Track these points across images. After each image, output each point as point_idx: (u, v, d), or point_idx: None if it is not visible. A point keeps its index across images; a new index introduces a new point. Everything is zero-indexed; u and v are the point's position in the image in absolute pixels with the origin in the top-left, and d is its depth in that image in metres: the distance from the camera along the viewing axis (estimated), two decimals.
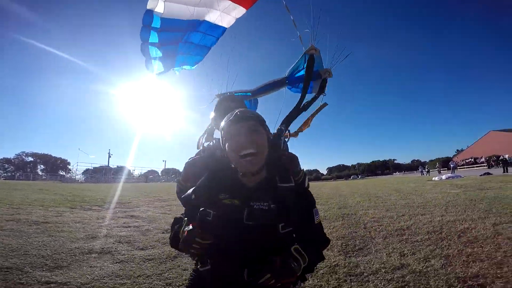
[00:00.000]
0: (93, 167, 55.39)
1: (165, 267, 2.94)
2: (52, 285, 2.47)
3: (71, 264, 2.99)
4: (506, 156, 34.53)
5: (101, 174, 48.73)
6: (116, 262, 3.09)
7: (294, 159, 1.36)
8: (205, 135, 1.65)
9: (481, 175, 18.36)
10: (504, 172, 18.27)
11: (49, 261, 3.02)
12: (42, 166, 68.76)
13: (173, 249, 3.59)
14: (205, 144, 1.49)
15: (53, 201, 8.56)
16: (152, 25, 1.95)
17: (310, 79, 1.74)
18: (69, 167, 68.78)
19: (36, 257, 3.10)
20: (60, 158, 71.25)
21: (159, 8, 1.84)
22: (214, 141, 1.49)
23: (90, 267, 2.92)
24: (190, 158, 1.34)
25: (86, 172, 53.70)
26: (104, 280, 2.60)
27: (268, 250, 0.99)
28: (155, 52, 2.12)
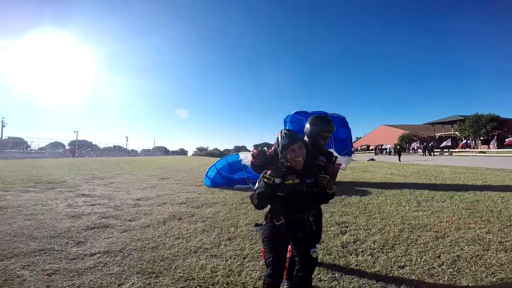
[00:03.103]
0: None
1: (166, 228, 3.97)
2: (99, 255, 3.05)
3: (88, 238, 3.52)
4: (388, 146, 44.02)
5: None
6: (124, 231, 3.82)
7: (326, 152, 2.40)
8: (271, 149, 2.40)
9: (368, 160, 23.84)
10: (399, 159, 22.63)
11: (65, 239, 3.46)
12: None
13: (158, 217, 4.63)
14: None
15: None
16: None
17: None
18: None
19: (51, 238, 3.51)
20: None
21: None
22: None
23: (107, 237, 3.55)
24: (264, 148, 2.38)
25: None
26: (136, 244, 3.31)
27: (313, 201, 1.98)
28: None
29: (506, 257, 2.77)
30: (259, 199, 1.81)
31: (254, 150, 2.26)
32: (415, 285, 2.33)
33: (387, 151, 43.53)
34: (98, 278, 2.49)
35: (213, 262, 2.83)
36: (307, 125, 2.44)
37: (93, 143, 55.44)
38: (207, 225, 4.21)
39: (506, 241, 3.22)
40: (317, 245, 2.80)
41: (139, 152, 65.87)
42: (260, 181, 1.84)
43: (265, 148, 2.39)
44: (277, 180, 1.80)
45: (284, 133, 1.93)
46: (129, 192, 7.34)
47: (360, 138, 73.93)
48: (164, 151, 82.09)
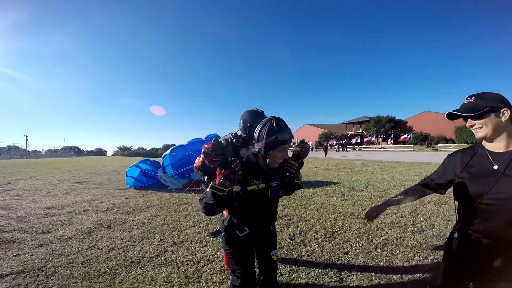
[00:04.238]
0: None
1: (93, 238, 3.43)
2: (12, 276, 2.60)
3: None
4: (311, 143, 48.38)
5: None
6: (38, 246, 3.17)
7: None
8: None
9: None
10: (325, 155, 23.59)
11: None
12: None
13: (81, 227, 4.04)
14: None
15: None
16: None
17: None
18: None
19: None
20: None
21: None
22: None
23: (18, 255, 2.99)
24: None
25: None
26: (59, 259, 2.83)
27: (277, 205, 1.73)
28: None
29: (422, 238, 3.29)
30: (208, 209, 1.43)
31: (206, 145, 1.53)
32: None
33: (310, 147, 47.96)
34: None
35: (164, 272, 2.58)
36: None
37: None
38: (144, 231, 3.82)
39: (417, 223, 3.86)
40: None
41: (43, 153, 55.28)
42: (208, 191, 1.41)
43: (221, 139, 1.78)
44: (236, 189, 1.47)
45: (277, 123, 1.46)
46: (35, 201, 6.12)
47: None
48: (76, 151, 70.66)
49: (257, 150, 1.49)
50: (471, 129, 1.30)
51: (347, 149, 38.09)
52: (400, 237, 3.34)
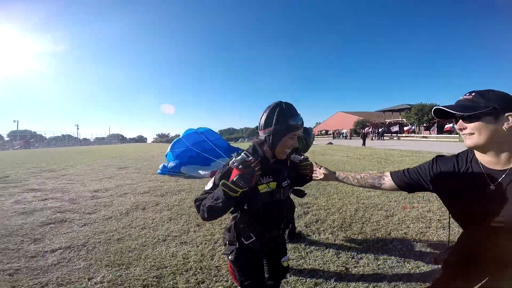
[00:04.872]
0: None
1: (129, 218, 3.83)
2: (61, 250, 3.07)
3: (45, 235, 3.41)
4: (344, 131, 46.78)
5: None
6: (84, 225, 3.69)
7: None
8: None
9: (326, 144, 25.22)
10: (363, 144, 22.01)
11: (19, 237, 3.33)
12: None
13: (120, 208, 4.48)
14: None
15: None
16: None
17: None
18: None
19: (1, 237, 3.28)
20: None
21: None
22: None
23: (67, 232, 3.44)
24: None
25: None
26: (99, 236, 3.33)
27: (287, 207, 1.50)
28: None
29: (443, 234, 3.19)
30: (212, 213, 1.21)
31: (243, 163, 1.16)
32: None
33: (344, 135, 46.33)
34: (65, 274, 2.39)
35: (184, 249, 2.87)
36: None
37: (38, 133, 50.08)
38: (173, 213, 4.19)
39: (444, 219, 3.69)
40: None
41: (92, 140, 60.98)
42: (218, 189, 1.19)
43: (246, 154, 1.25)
44: (246, 189, 1.16)
45: (287, 106, 1.29)
46: (84, 184, 6.89)
47: (320, 123, 77.14)
48: (120, 139, 76.99)
49: (263, 138, 1.30)
50: (460, 133, 1.05)
51: (384, 137, 36.15)
52: (422, 232, 3.25)
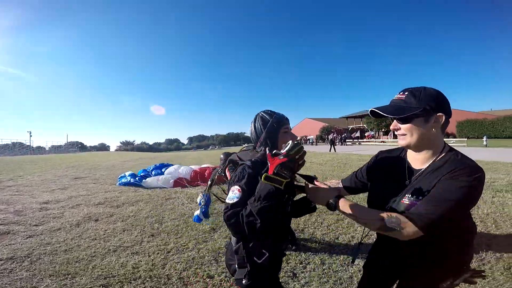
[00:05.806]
0: None
1: (80, 230, 3.69)
2: (1, 262, 2.91)
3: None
4: (311, 137, 48.56)
5: None
6: (29, 237, 3.47)
7: None
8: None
9: None
10: (330, 150, 22.69)
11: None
12: None
13: (70, 220, 4.28)
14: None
15: None
16: None
17: None
18: None
19: None
20: None
21: None
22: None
23: (9, 244, 3.31)
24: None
25: None
26: (45, 248, 3.14)
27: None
28: None
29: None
30: (263, 220, 1.02)
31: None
32: None
33: (310, 141, 48.06)
34: (5, 284, 2.31)
35: (135, 259, 2.86)
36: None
37: None
38: (127, 224, 4.11)
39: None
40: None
41: (47, 149, 56.20)
42: (260, 187, 1.05)
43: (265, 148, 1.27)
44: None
45: (265, 112, 1.34)
46: (33, 196, 6.45)
47: None
48: (80, 147, 71.99)
49: (263, 147, 1.29)
50: (395, 132, 1.07)
51: (347, 143, 38.16)
52: (367, 235, 3.39)
